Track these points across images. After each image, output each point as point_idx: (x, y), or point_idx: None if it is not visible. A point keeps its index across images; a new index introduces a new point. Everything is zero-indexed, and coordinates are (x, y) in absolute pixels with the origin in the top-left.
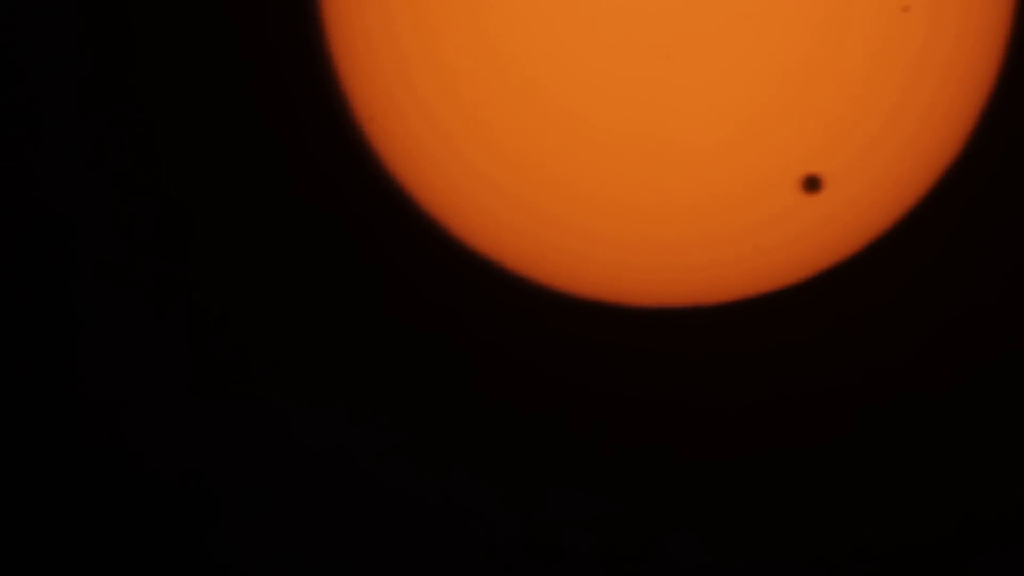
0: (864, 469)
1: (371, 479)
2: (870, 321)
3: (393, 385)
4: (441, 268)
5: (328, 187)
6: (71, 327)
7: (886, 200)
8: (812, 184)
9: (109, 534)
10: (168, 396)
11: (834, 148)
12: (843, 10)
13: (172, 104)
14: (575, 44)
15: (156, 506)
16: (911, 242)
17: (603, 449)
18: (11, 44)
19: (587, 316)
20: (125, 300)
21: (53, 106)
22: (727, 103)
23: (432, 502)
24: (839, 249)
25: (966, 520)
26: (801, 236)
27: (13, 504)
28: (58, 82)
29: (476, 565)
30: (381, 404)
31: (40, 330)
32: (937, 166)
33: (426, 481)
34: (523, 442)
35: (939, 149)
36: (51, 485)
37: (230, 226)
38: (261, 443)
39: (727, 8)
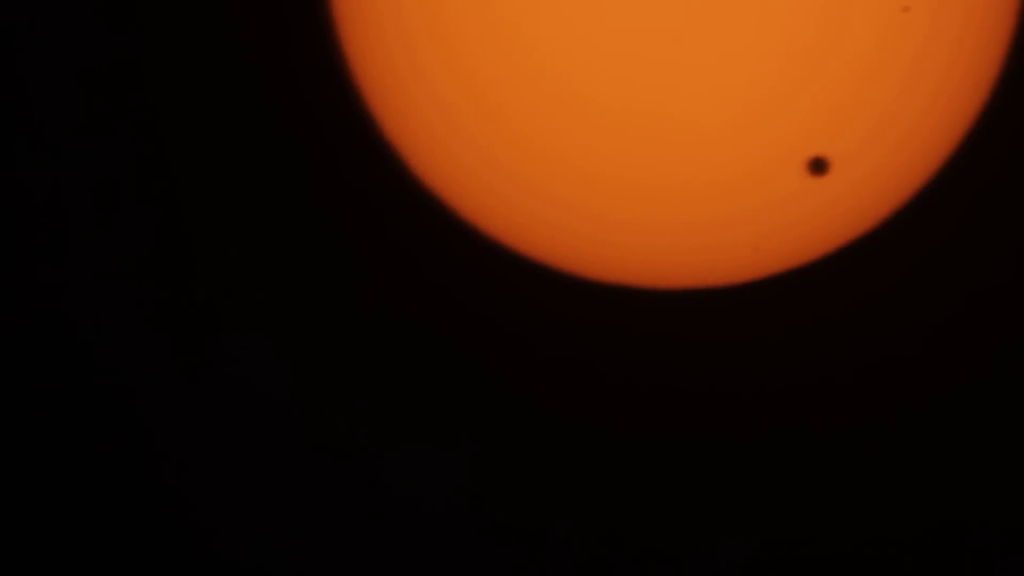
0: (874, 455)
1: (380, 474)
2: (876, 304)
3: (402, 373)
4: (450, 250)
5: (340, 175)
6: (80, 326)
7: (892, 182)
8: (818, 166)
9: (107, 531)
10: (172, 392)
11: (841, 130)
12: None
13: (181, 96)
14: (585, 28)
15: (156, 504)
16: (917, 224)
17: (607, 435)
18: (14, 44)
19: (594, 298)
20: (126, 297)
21: (59, 110)
22: (735, 85)
23: (443, 493)
24: (845, 231)
25: (976, 507)
26: (807, 218)
27: (13, 500)
28: (63, 85)
29: (485, 555)
30: (390, 395)
31: (45, 330)
32: (944, 148)
33: (437, 471)
34: (531, 429)
35: (946, 131)
36: (50, 483)
37: (240, 217)
38: (270, 437)
39: None
